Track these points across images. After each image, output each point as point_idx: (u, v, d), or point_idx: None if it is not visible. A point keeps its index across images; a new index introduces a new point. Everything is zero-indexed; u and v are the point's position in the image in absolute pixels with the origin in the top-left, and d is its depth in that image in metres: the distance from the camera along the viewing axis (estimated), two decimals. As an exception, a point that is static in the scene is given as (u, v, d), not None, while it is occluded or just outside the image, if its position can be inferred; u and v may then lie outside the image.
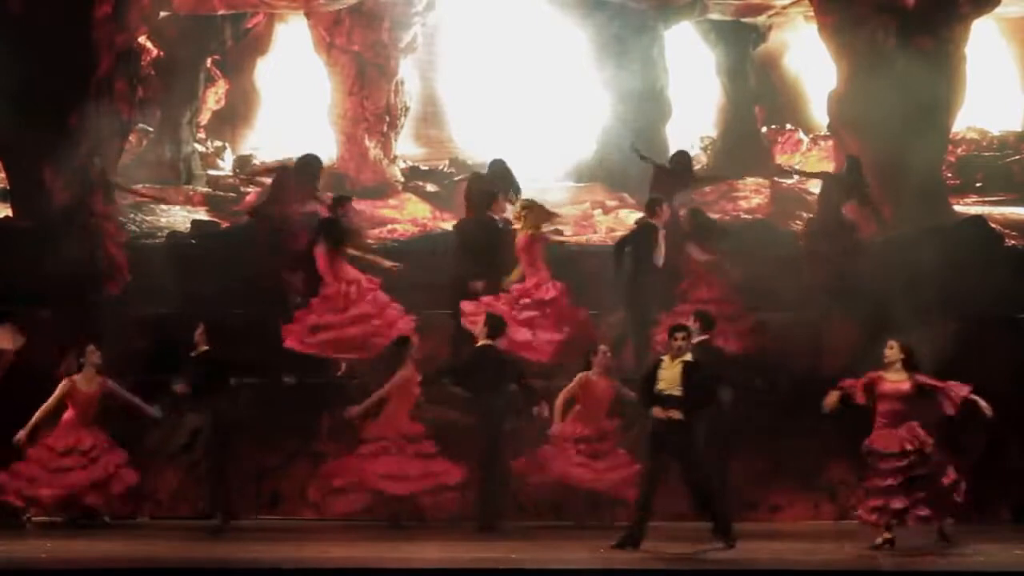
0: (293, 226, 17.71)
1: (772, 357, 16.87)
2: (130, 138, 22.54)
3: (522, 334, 16.73)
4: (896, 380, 13.53)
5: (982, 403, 13.64)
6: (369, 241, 19.73)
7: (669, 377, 13.48)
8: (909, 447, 13.38)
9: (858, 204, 18.32)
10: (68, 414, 15.70)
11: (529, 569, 12.37)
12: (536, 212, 17.34)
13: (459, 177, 19.04)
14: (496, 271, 17.37)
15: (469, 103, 25.08)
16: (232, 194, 23.70)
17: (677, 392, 13.42)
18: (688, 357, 13.54)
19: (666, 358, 13.65)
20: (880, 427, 13.54)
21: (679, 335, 13.60)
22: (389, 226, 22.79)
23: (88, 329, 16.48)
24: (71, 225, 17.83)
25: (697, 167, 24.70)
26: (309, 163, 18.46)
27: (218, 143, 25.84)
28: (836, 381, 16.81)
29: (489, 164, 19.16)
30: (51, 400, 15.65)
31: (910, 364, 13.60)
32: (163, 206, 22.62)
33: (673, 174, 18.73)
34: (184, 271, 18.38)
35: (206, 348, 15.63)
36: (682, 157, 19.19)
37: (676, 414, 13.39)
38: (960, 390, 13.68)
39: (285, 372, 16.90)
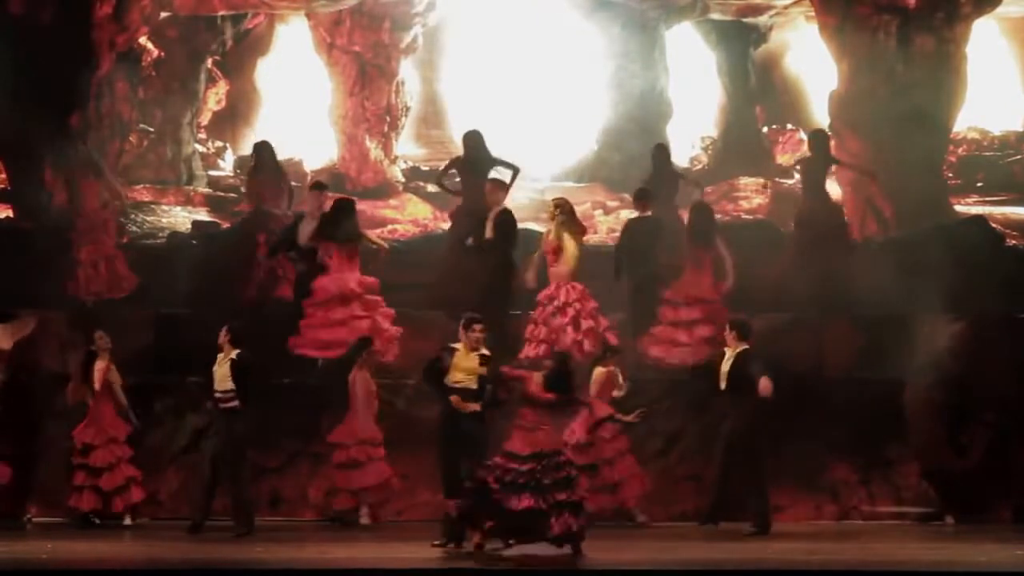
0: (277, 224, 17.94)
1: (772, 357, 16.83)
2: (130, 138, 22.55)
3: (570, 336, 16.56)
4: (540, 385, 12.79)
5: (627, 419, 13.72)
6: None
7: (467, 368, 13.39)
8: (542, 450, 12.61)
9: (841, 168, 19.49)
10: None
11: (529, 569, 12.35)
12: (571, 217, 16.65)
13: (458, 179, 19.03)
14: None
15: (470, 103, 25.06)
16: (232, 194, 23.69)
17: (475, 385, 13.37)
18: (485, 350, 13.43)
19: (460, 348, 13.47)
20: (518, 428, 12.82)
21: (477, 327, 13.47)
22: (390, 226, 22.79)
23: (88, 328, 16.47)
24: (70, 225, 17.84)
25: (697, 167, 24.77)
26: (258, 151, 18.66)
27: (219, 143, 25.83)
28: (836, 381, 16.92)
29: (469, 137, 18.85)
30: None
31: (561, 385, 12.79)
32: (164, 206, 22.62)
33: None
34: (184, 271, 18.36)
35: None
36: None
37: (475, 406, 13.33)
38: (600, 411, 13.91)
39: (285, 373, 16.88)
